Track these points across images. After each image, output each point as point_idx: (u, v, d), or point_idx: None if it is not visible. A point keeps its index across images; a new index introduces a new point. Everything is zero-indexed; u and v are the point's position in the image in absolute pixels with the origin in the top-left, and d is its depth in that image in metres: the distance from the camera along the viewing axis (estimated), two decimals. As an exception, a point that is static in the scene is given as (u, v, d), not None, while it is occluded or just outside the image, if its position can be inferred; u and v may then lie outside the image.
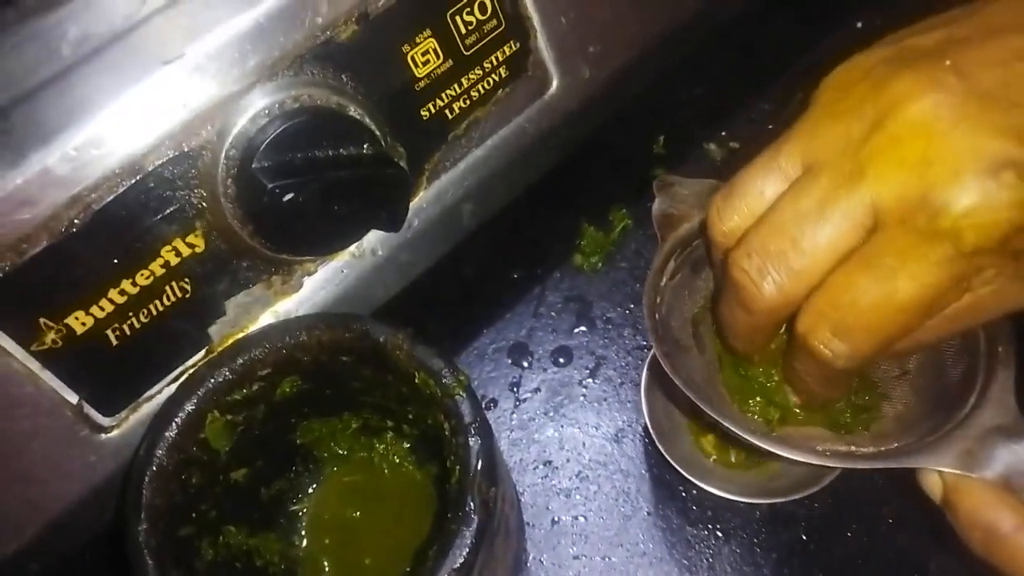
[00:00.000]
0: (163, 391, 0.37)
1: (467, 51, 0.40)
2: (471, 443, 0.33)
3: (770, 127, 0.57)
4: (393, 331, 0.35)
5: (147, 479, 0.33)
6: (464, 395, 0.34)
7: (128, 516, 0.32)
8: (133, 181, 0.32)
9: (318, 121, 0.34)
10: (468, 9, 0.39)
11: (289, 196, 0.33)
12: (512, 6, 0.40)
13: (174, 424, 0.34)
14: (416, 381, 0.35)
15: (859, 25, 0.61)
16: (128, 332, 0.35)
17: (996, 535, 0.29)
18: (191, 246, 0.35)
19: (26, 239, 0.31)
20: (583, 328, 0.52)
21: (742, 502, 0.44)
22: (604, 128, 0.50)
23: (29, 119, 0.31)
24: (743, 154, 0.39)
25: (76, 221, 0.32)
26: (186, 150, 0.33)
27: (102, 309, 0.34)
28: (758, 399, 0.36)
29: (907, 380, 0.36)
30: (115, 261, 0.33)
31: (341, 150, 0.35)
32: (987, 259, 0.27)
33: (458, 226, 0.44)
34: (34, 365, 0.33)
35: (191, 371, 0.36)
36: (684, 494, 0.46)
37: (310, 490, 0.42)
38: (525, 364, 0.51)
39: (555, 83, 0.44)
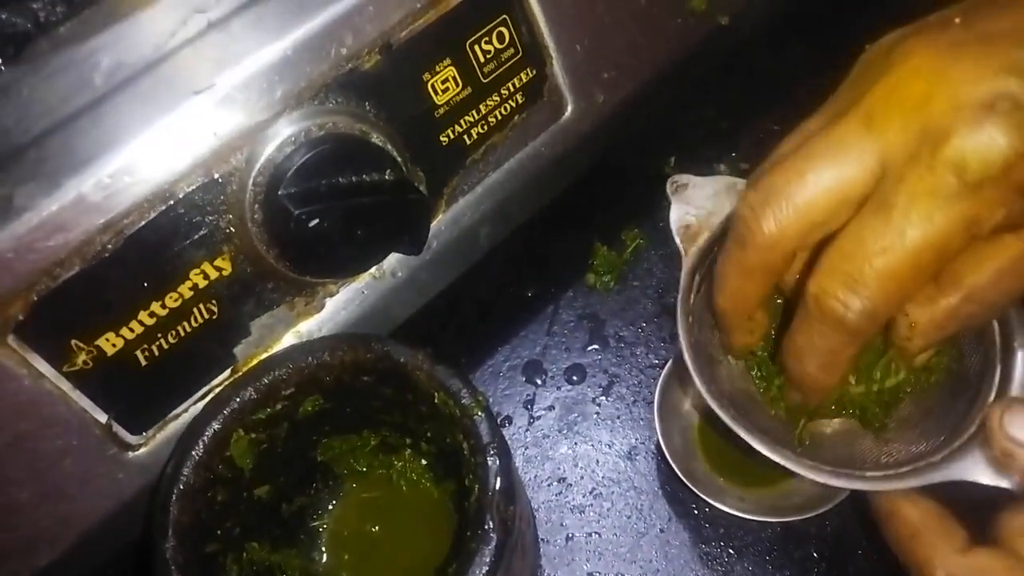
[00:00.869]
0: (189, 410, 0.38)
1: (485, 78, 0.41)
2: (490, 463, 0.34)
3: (780, 148, 0.58)
4: (413, 352, 0.36)
5: (174, 497, 0.34)
6: (483, 415, 0.35)
7: (156, 534, 0.33)
8: (164, 207, 0.33)
9: (342, 148, 0.35)
10: (487, 38, 0.40)
11: (315, 222, 0.34)
12: (529, 35, 0.41)
13: (201, 443, 0.35)
14: (436, 401, 0.36)
15: (866, 46, 0.61)
16: (156, 353, 0.36)
17: (880, 517, 0.33)
18: (219, 269, 0.36)
19: (60, 264, 0.32)
20: (596, 346, 0.52)
21: (755, 520, 0.44)
22: (616, 149, 0.51)
23: (63, 147, 0.33)
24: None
25: (108, 246, 0.33)
26: (215, 177, 0.34)
27: (132, 331, 0.35)
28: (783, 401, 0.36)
29: (924, 373, 0.36)
30: (145, 284, 0.34)
31: (364, 176, 0.36)
32: (994, 191, 0.27)
33: (475, 247, 0.45)
34: (65, 386, 0.34)
35: (217, 390, 0.37)
36: (697, 512, 0.46)
37: (330, 506, 0.43)
38: (539, 382, 0.51)
39: (570, 108, 0.45)
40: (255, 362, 0.38)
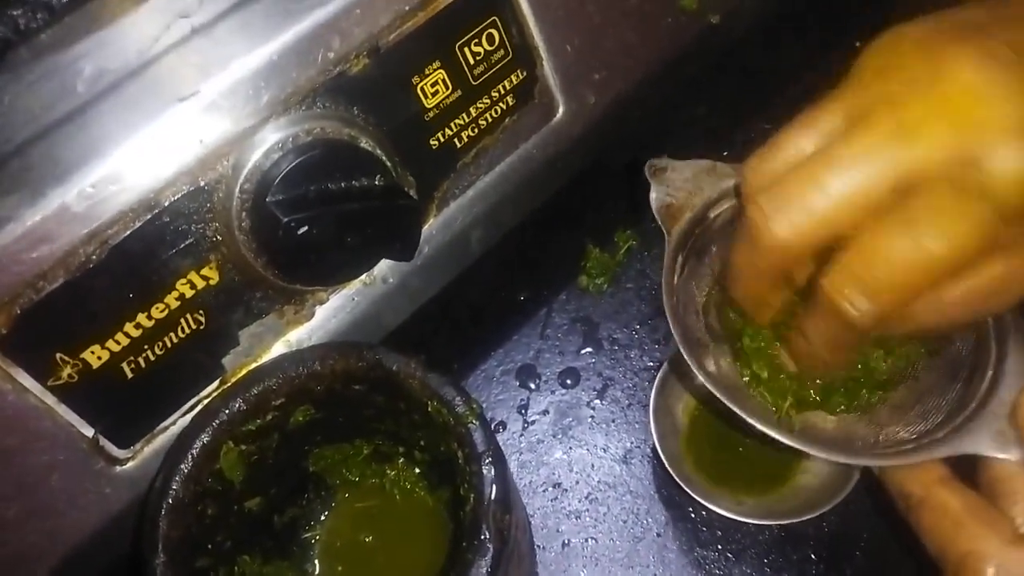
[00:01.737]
0: (177, 422, 0.37)
1: (475, 81, 0.40)
2: (485, 471, 0.33)
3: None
4: (406, 360, 0.36)
5: (163, 512, 0.33)
6: (477, 423, 0.34)
7: (146, 550, 0.33)
8: (149, 216, 0.33)
9: (331, 154, 0.35)
10: (476, 40, 0.39)
11: (304, 229, 0.33)
12: (519, 36, 0.41)
13: (189, 456, 0.34)
14: (429, 409, 0.35)
15: (857, 44, 0.61)
16: (143, 365, 0.35)
17: (910, 504, 0.31)
18: (206, 279, 0.35)
19: (43, 276, 0.31)
20: (590, 349, 0.52)
21: (752, 523, 0.44)
22: (608, 150, 0.50)
23: (46, 156, 0.32)
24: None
25: (93, 257, 0.32)
26: (201, 185, 0.34)
27: (118, 343, 0.34)
28: (772, 379, 0.36)
29: (912, 362, 0.37)
30: (131, 295, 0.34)
31: (354, 182, 0.35)
32: (1020, 220, 0.27)
33: (466, 252, 0.45)
34: (51, 400, 0.33)
35: (205, 402, 0.37)
36: (693, 515, 0.46)
37: (322, 517, 0.42)
38: (533, 386, 0.51)
39: (561, 110, 0.44)
40: (244, 372, 0.37)
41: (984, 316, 0.33)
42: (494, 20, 0.39)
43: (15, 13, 0.35)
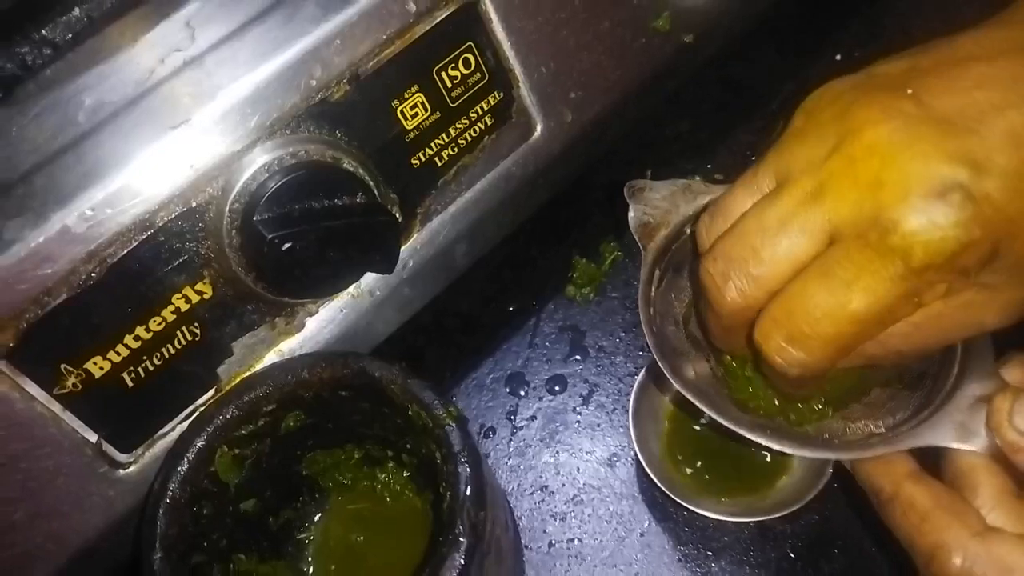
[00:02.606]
0: (176, 428, 0.39)
1: (453, 103, 0.42)
2: (460, 470, 0.35)
3: (753, 158, 0.59)
4: (388, 367, 0.38)
5: (161, 511, 0.35)
6: (454, 425, 0.36)
7: (143, 546, 0.35)
8: (145, 236, 0.35)
9: (314, 174, 0.37)
10: (453, 65, 0.42)
11: (287, 245, 0.35)
12: (495, 59, 0.43)
13: (186, 459, 0.37)
14: (410, 413, 0.37)
15: (837, 58, 0.63)
16: (143, 375, 0.37)
17: (880, 499, 0.32)
18: (200, 293, 0.38)
19: (47, 292, 0.34)
20: (577, 357, 0.54)
21: (732, 522, 0.46)
22: (592, 163, 0.52)
23: (49, 182, 0.34)
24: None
25: (93, 275, 0.35)
26: (193, 206, 0.36)
27: (118, 354, 0.36)
28: (752, 389, 0.37)
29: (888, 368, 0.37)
30: (129, 310, 0.36)
31: (336, 200, 0.37)
32: (937, 275, 0.28)
33: (452, 265, 0.47)
34: (56, 408, 0.35)
35: (201, 409, 0.39)
36: (675, 515, 0.47)
37: (316, 518, 0.44)
38: (522, 393, 0.53)
39: (539, 128, 0.46)
40: (238, 381, 0.39)
41: (935, 349, 0.34)
42: (469, 46, 0.42)
43: (23, 51, 0.38)
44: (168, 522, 0.36)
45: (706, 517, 0.45)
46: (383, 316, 0.45)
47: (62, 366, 0.35)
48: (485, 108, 0.44)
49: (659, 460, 0.47)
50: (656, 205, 0.41)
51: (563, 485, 0.49)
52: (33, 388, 0.35)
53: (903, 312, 0.30)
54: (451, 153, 0.43)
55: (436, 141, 0.43)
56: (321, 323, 0.42)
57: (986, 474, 0.31)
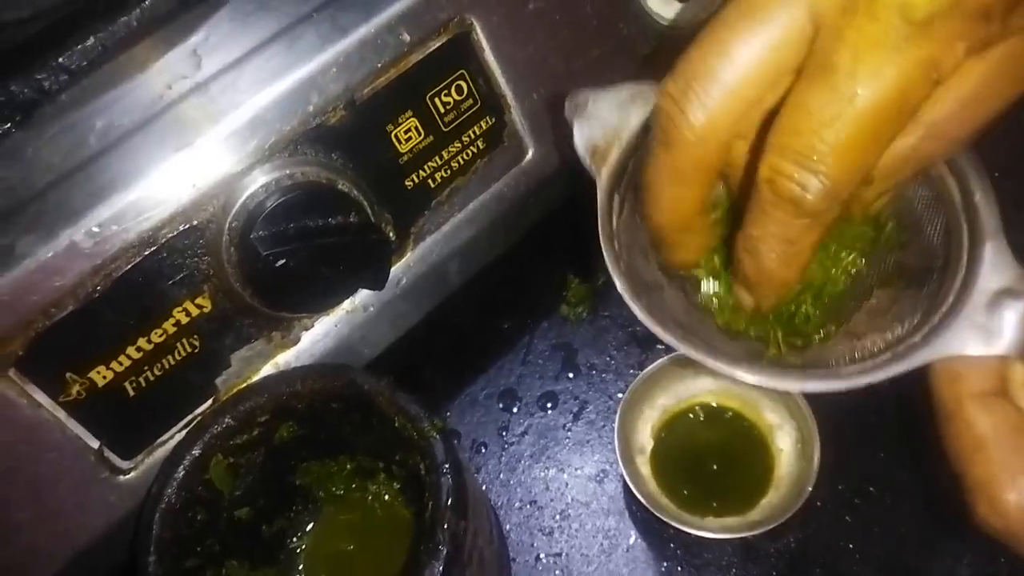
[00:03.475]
0: (175, 436, 0.41)
1: (446, 127, 0.44)
2: (442, 481, 0.36)
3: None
4: (376, 380, 0.39)
5: (156, 515, 0.37)
6: (438, 437, 0.38)
7: (138, 549, 0.36)
8: (148, 252, 0.37)
9: (309, 195, 0.39)
10: (446, 91, 0.43)
11: (281, 262, 0.37)
12: (486, 86, 0.45)
13: (182, 466, 0.38)
14: (396, 425, 0.39)
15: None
16: (144, 384, 0.39)
17: (940, 416, 0.27)
18: (200, 307, 0.39)
19: (55, 304, 0.36)
20: (569, 374, 0.55)
21: (713, 538, 0.46)
22: (584, 184, 0.54)
23: (60, 201, 0.37)
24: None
25: (99, 288, 0.37)
26: (195, 224, 0.38)
27: (121, 364, 0.38)
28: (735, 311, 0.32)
29: (885, 249, 0.33)
30: (132, 322, 0.38)
31: (330, 219, 0.39)
32: (949, 28, 0.23)
33: (445, 282, 0.49)
34: (61, 414, 0.37)
35: (198, 418, 0.41)
36: (661, 531, 0.48)
37: (308, 528, 0.46)
38: (514, 409, 0.54)
39: (531, 152, 0.48)
40: (234, 391, 0.41)
41: (981, 126, 0.27)
42: (462, 73, 0.44)
43: (40, 77, 0.40)
44: (163, 526, 0.37)
45: (689, 534, 0.45)
46: (377, 331, 0.47)
47: (67, 375, 0.37)
48: (477, 132, 0.46)
49: (644, 478, 0.48)
50: (605, 119, 0.34)
51: (552, 500, 0.50)
52: (39, 395, 0.37)
53: (922, 90, 0.24)
54: (444, 175, 0.45)
55: (429, 163, 0.44)
56: (316, 337, 0.44)
57: None
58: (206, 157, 0.38)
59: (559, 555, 0.48)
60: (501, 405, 0.54)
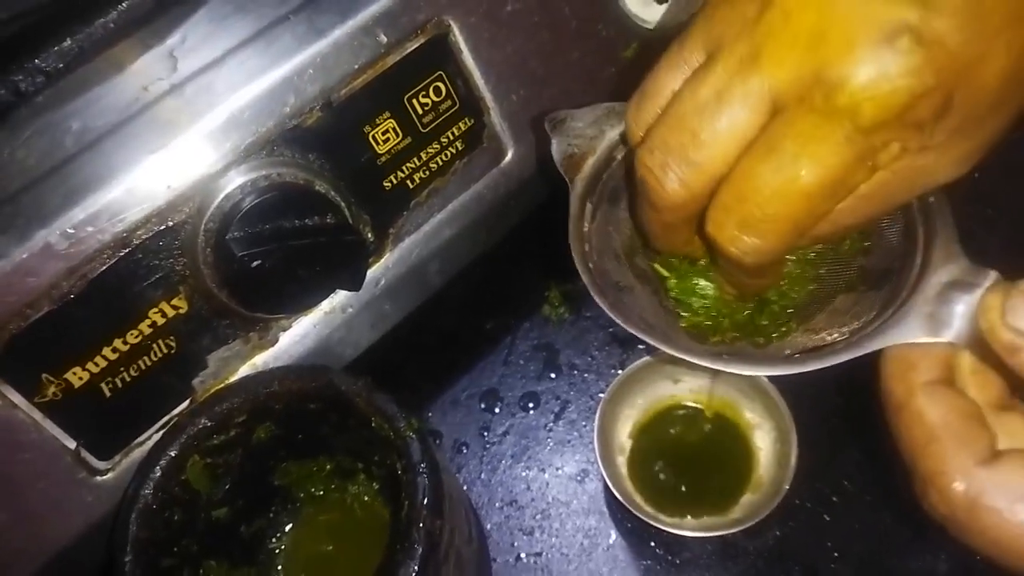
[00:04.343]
0: (152, 437, 0.41)
1: (424, 128, 0.44)
2: (418, 480, 0.36)
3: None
4: (353, 380, 0.40)
5: (133, 515, 0.37)
6: (415, 437, 0.38)
7: (115, 548, 0.36)
8: (123, 253, 0.37)
9: (285, 195, 0.39)
10: (424, 92, 0.44)
11: (256, 263, 0.37)
12: (465, 87, 0.45)
13: (159, 467, 0.38)
14: (373, 425, 0.39)
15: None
16: (120, 385, 0.39)
17: (890, 405, 0.28)
18: (176, 308, 0.40)
19: (30, 305, 0.36)
20: (551, 375, 0.55)
21: (694, 537, 0.47)
22: (564, 186, 0.54)
23: (35, 202, 0.37)
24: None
25: (74, 289, 0.37)
26: (170, 224, 0.38)
27: (97, 365, 0.38)
28: (706, 309, 0.35)
29: (848, 256, 0.35)
30: (108, 323, 0.38)
31: (306, 220, 0.39)
32: (889, 133, 0.26)
33: (425, 283, 0.49)
34: (37, 415, 0.37)
35: (175, 419, 0.41)
36: (641, 530, 0.48)
37: (288, 528, 0.46)
38: (496, 410, 0.54)
39: (510, 153, 0.48)
40: (211, 392, 0.41)
41: (885, 214, 0.31)
42: (440, 75, 0.44)
43: (17, 78, 0.40)
44: (140, 526, 0.37)
45: (669, 532, 0.46)
46: (357, 332, 0.47)
47: (43, 375, 0.37)
48: (456, 133, 0.46)
49: (624, 477, 0.48)
50: (580, 134, 0.38)
51: (533, 500, 0.50)
52: (15, 396, 0.37)
53: (857, 179, 0.27)
54: (423, 176, 0.45)
55: (408, 164, 0.44)
56: (295, 338, 0.44)
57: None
58: (182, 158, 0.38)
59: (539, 555, 0.48)
60: (483, 405, 0.55)
